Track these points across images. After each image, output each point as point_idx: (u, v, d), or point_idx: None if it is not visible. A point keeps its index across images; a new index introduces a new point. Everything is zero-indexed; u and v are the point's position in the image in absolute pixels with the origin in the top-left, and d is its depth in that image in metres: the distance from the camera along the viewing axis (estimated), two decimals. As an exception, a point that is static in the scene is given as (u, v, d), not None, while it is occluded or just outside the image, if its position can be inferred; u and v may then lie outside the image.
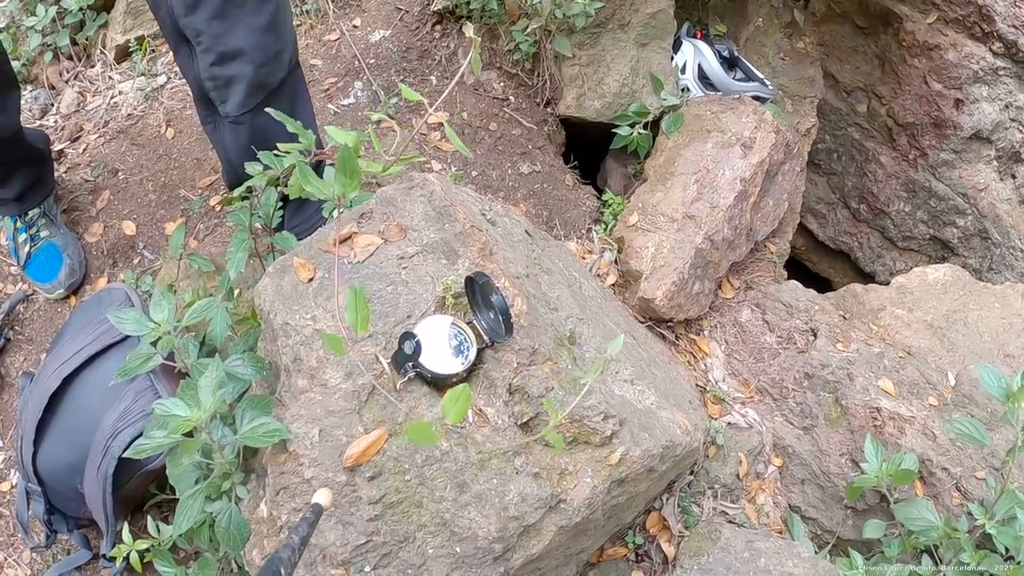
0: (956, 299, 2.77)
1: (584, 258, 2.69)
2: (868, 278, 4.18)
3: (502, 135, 2.93)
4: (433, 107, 1.42)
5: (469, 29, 1.28)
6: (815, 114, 3.57)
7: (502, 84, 3.02)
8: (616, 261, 2.68)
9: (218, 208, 2.65)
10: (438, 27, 3.04)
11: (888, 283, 2.90)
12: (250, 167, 1.76)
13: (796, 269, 4.39)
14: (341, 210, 1.53)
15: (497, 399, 1.49)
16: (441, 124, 2.77)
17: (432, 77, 2.96)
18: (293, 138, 1.67)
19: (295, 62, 2.07)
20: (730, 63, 3.21)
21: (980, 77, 3.48)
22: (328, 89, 2.91)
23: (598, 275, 2.64)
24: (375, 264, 1.57)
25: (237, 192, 1.81)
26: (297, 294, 1.58)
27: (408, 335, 1.41)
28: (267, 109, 1.68)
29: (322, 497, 1.30)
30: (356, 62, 2.97)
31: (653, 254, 2.57)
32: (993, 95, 3.52)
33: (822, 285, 4.37)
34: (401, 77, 2.91)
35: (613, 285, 2.63)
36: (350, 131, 1.37)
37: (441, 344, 1.45)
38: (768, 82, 3.23)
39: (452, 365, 1.45)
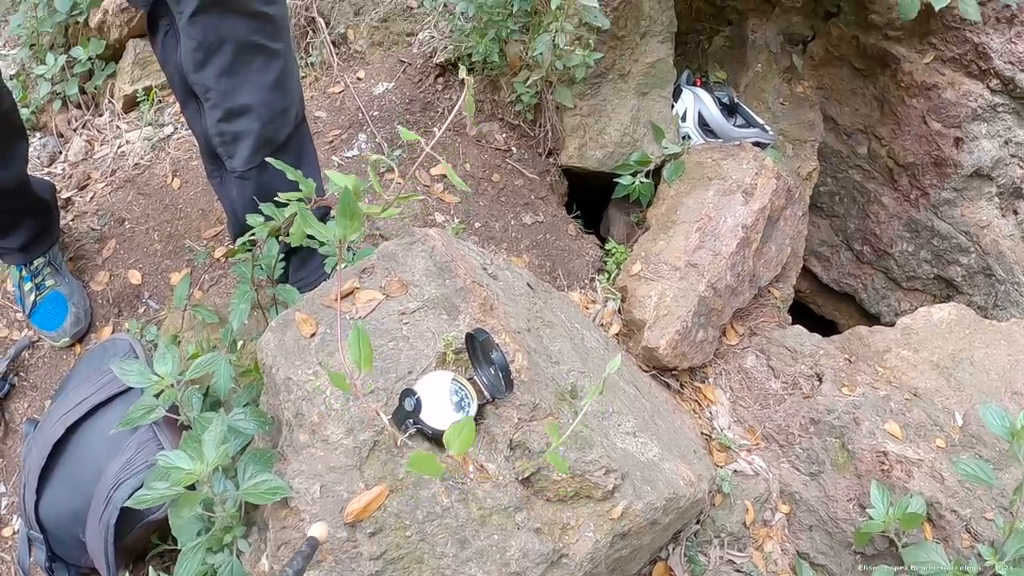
0: (962, 338, 2.76)
1: (587, 308, 2.70)
2: (873, 319, 4.17)
3: (505, 186, 2.95)
4: (429, 145, 1.43)
5: (463, 71, 1.30)
6: (816, 158, 3.59)
7: (504, 135, 3.05)
8: (619, 310, 2.69)
9: (223, 259, 2.67)
10: (440, 79, 3.08)
11: (893, 324, 2.90)
12: (251, 219, 1.78)
13: (801, 312, 4.39)
14: (342, 257, 1.55)
15: (498, 454, 1.49)
16: (444, 175, 2.80)
17: (435, 129, 2.97)
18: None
19: (301, 117, 2.09)
20: (730, 109, 3.23)
21: (979, 115, 3.48)
22: (332, 141, 2.94)
23: (601, 325, 2.65)
24: (377, 319, 1.58)
25: (239, 243, 1.83)
26: (299, 349, 1.59)
27: (408, 392, 1.42)
28: (270, 159, 1.70)
29: (318, 531, 1.31)
30: (360, 114, 3.01)
31: (656, 303, 2.57)
32: (992, 132, 3.52)
33: (827, 327, 4.37)
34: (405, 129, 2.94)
35: (617, 334, 2.64)
36: (350, 176, 1.39)
37: (442, 400, 1.46)
38: (768, 127, 3.25)
39: (453, 421, 1.45)
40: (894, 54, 3.54)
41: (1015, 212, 3.67)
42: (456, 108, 1.27)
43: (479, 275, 1.68)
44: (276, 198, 1.71)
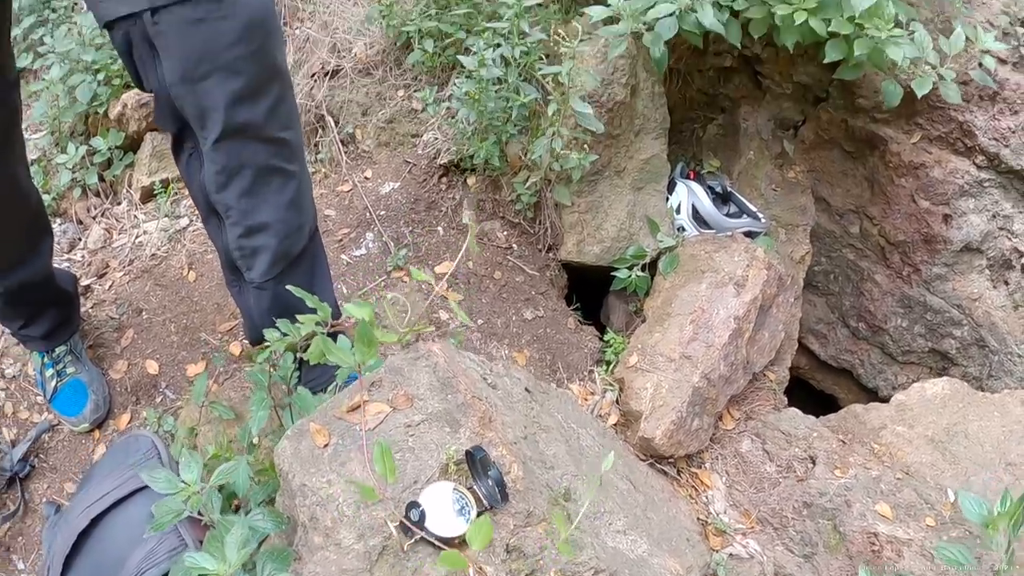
0: (956, 411, 2.84)
1: (587, 399, 2.81)
2: (871, 393, 4.24)
3: (506, 283, 3.08)
4: (438, 286, 1.56)
5: (466, 215, 1.43)
6: (808, 241, 3.70)
7: (505, 233, 3.18)
8: (617, 401, 2.80)
9: (237, 353, 2.78)
10: (444, 179, 3.21)
11: (890, 398, 2.99)
12: (269, 334, 1.91)
13: (802, 387, 4.47)
14: (362, 375, 1.67)
15: (495, 557, 1.60)
16: (448, 273, 2.92)
17: (439, 228, 3.12)
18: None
19: (314, 229, 2.23)
20: (724, 198, 3.36)
21: (966, 191, 3.57)
22: (341, 240, 3.08)
23: (600, 415, 2.75)
24: (385, 431, 1.70)
25: (260, 359, 1.96)
26: (314, 458, 1.70)
27: (413, 504, 1.54)
28: (289, 287, 1.83)
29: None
30: (368, 213, 3.14)
31: (652, 394, 2.68)
32: (980, 207, 3.60)
33: (827, 401, 4.45)
34: (410, 228, 3.08)
35: (615, 424, 2.74)
36: (365, 305, 1.53)
37: (445, 508, 1.57)
38: (761, 215, 3.38)
39: (455, 527, 1.56)
40: (882, 136, 3.65)
41: (1006, 283, 3.74)
42: (462, 251, 1.39)
43: (479, 388, 1.80)
44: (295, 310, 1.85)
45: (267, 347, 1.96)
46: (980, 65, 3.12)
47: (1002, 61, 3.24)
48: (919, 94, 2.98)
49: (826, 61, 2.93)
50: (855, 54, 2.81)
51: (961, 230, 3.66)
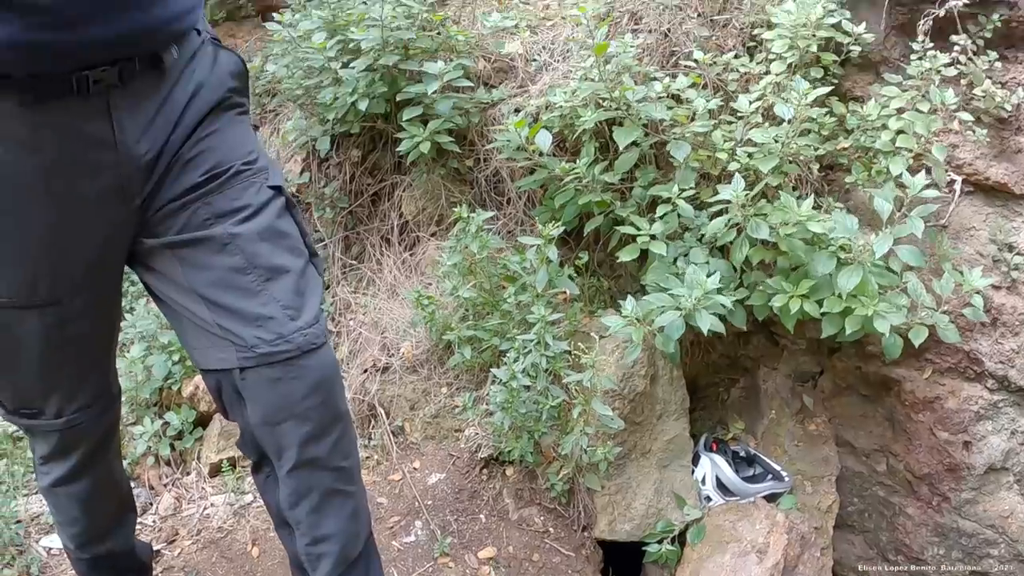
0: (996, 632, 2.95)
1: (621, 673, 2.98)
2: (921, 624, 4.30)
3: (544, 564, 3.26)
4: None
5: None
6: (834, 491, 3.85)
7: (542, 518, 3.39)
8: (653, 673, 2.97)
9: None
10: (485, 471, 3.47)
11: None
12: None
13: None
14: None
15: None
16: (491, 558, 3.16)
17: (481, 516, 3.35)
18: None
19: (369, 533, 2.52)
20: (749, 460, 3.59)
21: (982, 415, 3.70)
22: (392, 527, 3.30)
23: None
24: None
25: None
26: None
27: None
28: None
29: None
30: (416, 502, 3.38)
31: (684, 667, 2.86)
32: (998, 427, 3.72)
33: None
34: (455, 516, 3.32)
35: None
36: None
37: None
38: (785, 474, 3.59)
39: None
40: (895, 377, 3.83)
41: (1035, 493, 3.84)
42: None
43: None
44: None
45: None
46: (972, 302, 3.24)
47: (996, 287, 3.44)
48: (916, 343, 3.15)
49: (823, 336, 3.18)
50: (847, 331, 3.06)
51: (983, 454, 3.78)
